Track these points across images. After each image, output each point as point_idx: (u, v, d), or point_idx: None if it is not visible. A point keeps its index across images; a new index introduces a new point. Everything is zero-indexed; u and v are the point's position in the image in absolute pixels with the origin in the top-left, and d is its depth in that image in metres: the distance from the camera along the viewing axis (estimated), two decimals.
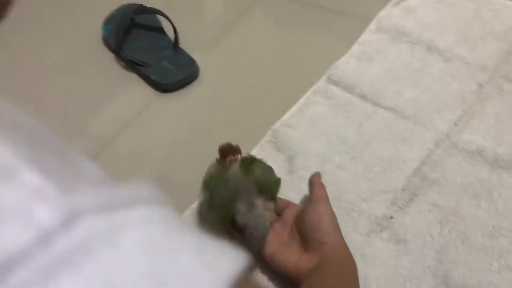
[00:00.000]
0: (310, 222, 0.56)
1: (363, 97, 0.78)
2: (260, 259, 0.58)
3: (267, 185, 0.58)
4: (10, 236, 0.16)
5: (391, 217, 0.64)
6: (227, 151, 0.63)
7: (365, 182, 0.68)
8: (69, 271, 0.15)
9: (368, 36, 0.89)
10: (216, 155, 0.64)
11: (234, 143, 0.64)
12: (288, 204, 0.62)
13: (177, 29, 0.89)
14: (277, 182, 0.60)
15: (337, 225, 0.57)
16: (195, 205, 0.67)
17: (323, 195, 0.58)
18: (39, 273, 0.15)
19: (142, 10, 0.91)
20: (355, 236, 0.63)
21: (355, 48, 0.87)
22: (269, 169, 0.61)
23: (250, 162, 0.59)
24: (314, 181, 0.61)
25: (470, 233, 0.62)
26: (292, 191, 0.67)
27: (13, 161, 0.18)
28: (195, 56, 0.88)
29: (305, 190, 0.67)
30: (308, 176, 0.69)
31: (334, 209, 0.65)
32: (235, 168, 0.58)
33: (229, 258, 0.20)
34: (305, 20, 0.95)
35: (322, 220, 0.55)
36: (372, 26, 0.90)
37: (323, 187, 0.60)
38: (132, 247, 0.17)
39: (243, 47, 0.92)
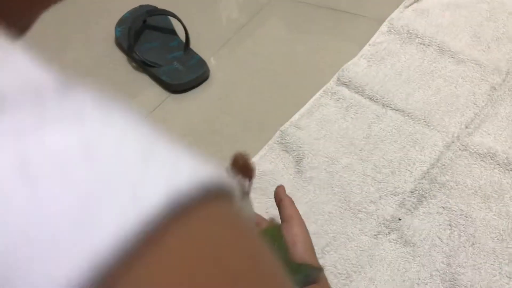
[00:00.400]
0: None
1: (373, 98, 0.78)
2: None
3: None
4: (5, 81, 0.16)
5: (400, 219, 0.64)
6: (242, 168, 0.52)
7: (374, 184, 0.67)
8: (57, 126, 0.16)
9: (380, 37, 0.88)
10: (223, 154, 0.64)
11: (244, 154, 0.53)
12: (259, 221, 0.56)
13: (189, 30, 0.89)
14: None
15: (312, 246, 0.52)
16: None
17: (295, 213, 0.53)
18: (32, 119, 0.16)
19: (154, 12, 0.92)
20: (363, 238, 0.63)
21: (366, 49, 0.86)
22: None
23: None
24: (282, 197, 0.54)
25: (479, 237, 0.61)
26: (299, 191, 0.67)
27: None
28: (206, 57, 0.88)
29: (312, 190, 0.67)
30: (316, 177, 0.69)
31: (342, 210, 0.65)
32: None
33: (213, 166, 0.19)
34: (316, 21, 0.95)
35: (297, 243, 0.50)
36: (384, 27, 0.90)
37: (292, 202, 0.54)
38: (125, 128, 0.18)
39: (253, 49, 0.92)
